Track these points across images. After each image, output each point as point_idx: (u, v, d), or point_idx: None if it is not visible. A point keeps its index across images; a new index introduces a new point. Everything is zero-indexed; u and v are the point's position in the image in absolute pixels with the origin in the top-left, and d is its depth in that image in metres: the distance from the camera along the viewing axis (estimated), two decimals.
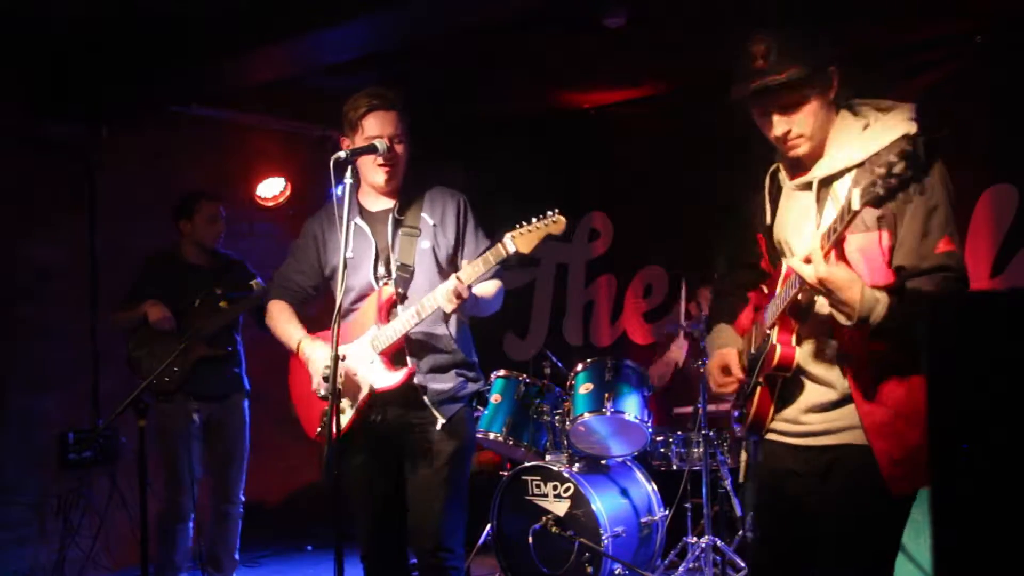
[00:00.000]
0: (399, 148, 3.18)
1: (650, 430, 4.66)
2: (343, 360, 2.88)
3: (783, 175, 2.53)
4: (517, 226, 2.95)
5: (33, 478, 5.37)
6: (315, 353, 3.18)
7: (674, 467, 4.87)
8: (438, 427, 3.17)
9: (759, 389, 2.49)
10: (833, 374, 2.37)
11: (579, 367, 4.83)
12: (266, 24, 4.53)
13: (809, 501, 2.44)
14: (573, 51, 5.43)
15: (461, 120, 6.63)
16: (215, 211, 4.84)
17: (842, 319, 2.23)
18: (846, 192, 2.15)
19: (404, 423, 3.21)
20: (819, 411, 2.40)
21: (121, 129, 5.71)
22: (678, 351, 5.41)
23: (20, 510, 5.31)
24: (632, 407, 4.62)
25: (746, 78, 2.35)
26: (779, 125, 2.37)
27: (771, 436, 2.52)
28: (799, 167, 2.45)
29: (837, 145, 2.36)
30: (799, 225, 2.45)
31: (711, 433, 4.65)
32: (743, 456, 2.59)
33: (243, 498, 4.83)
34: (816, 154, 2.39)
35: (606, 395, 4.61)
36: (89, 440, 5.46)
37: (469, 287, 3.00)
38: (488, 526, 4.80)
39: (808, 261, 2.19)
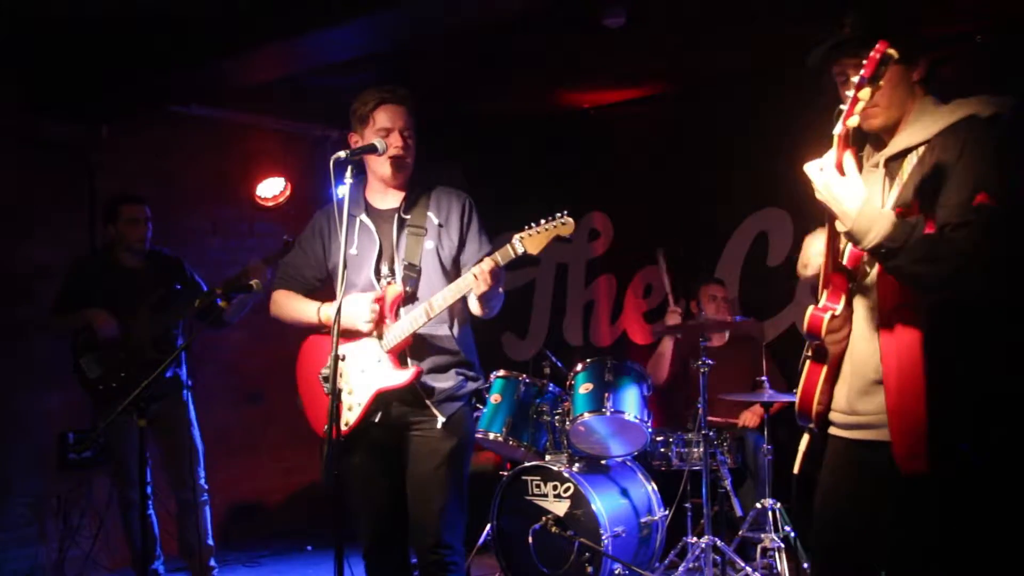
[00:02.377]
0: (409, 141, 3.21)
1: (650, 430, 4.66)
2: (343, 360, 2.88)
3: (866, 154, 2.56)
4: (526, 227, 2.97)
5: (33, 478, 5.37)
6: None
7: (674, 467, 4.87)
8: (438, 425, 3.18)
9: (808, 364, 2.51)
10: (873, 353, 2.37)
11: (579, 367, 4.82)
12: (266, 24, 4.53)
13: (865, 500, 2.44)
14: (573, 51, 5.43)
15: (461, 120, 6.63)
16: (136, 213, 4.84)
17: (840, 227, 2.27)
18: (910, 169, 2.28)
19: (404, 422, 3.22)
20: (865, 395, 2.40)
21: (121, 129, 5.71)
22: (665, 342, 5.42)
23: (20, 510, 5.31)
24: (632, 407, 4.62)
25: (826, 41, 2.41)
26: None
27: (832, 431, 2.52)
28: (880, 146, 2.48)
29: (909, 126, 2.39)
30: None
31: (711, 433, 4.65)
32: (803, 444, 2.59)
33: (205, 485, 4.90)
34: (890, 135, 2.43)
35: (606, 395, 4.61)
36: (89, 440, 5.46)
37: (502, 267, 2.98)
38: (488, 526, 4.80)
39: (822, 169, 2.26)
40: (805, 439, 2.59)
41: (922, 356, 2.26)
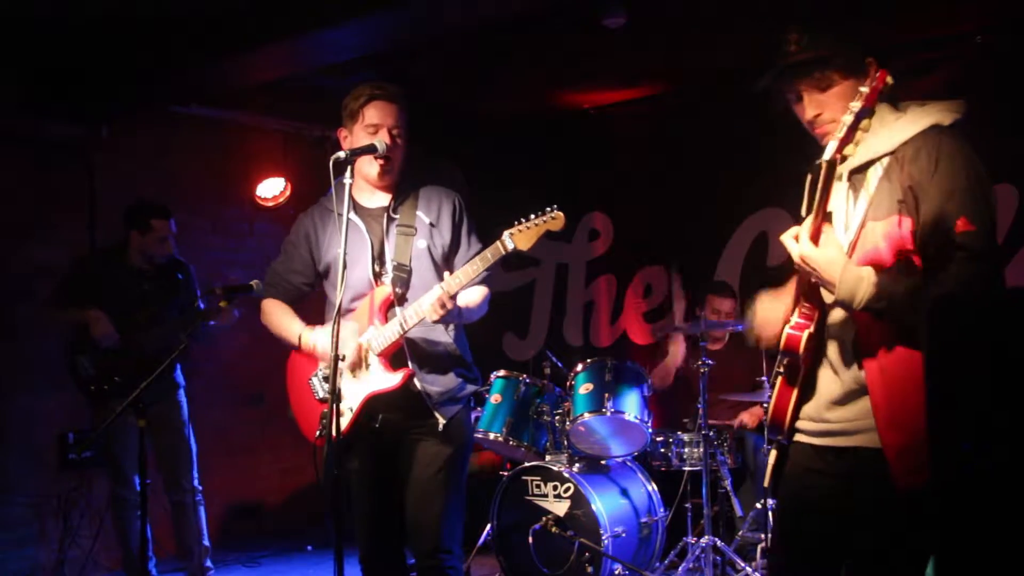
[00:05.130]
0: (397, 141, 3.17)
1: (650, 430, 4.66)
2: (343, 360, 2.86)
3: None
4: (516, 223, 2.93)
5: (33, 478, 5.37)
6: (318, 339, 3.15)
7: (674, 467, 4.87)
8: (438, 428, 3.15)
9: (779, 380, 2.50)
10: (850, 364, 2.36)
11: (579, 367, 4.82)
12: (266, 24, 4.53)
13: (830, 503, 2.40)
14: (573, 51, 5.43)
15: (461, 120, 6.63)
16: (167, 231, 4.85)
17: (828, 297, 2.31)
18: (876, 181, 2.27)
19: (404, 425, 3.19)
20: (839, 405, 2.38)
21: (121, 129, 5.71)
22: (676, 350, 5.40)
23: (20, 510, 5.31)
24: (632, 407, 4.62)
25: (774, 63, 2.41)
26: (810, 107, 2.40)
27: (798, 437, 2.49)
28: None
29: (871, 137, 2.33)
30: (835, 214, 2.44)
31: (711, 433, 4.65)
32: (771, 458, 2.58)
33: (198, 486, 4.92)
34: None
35: (606, 395, 4.61)
36: (89, 440, 5.46)
37: (453, 296, 2.99)
38: (488, 526, 4.80)
39: (797, 239, 2.28)
40: (773, 455, 2.59)
41: (919, 365, 2.22)
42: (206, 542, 4.96)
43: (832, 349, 2.41)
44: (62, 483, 5.45)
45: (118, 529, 4.82)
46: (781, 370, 2.49)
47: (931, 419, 2.19)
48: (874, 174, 2.34)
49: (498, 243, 2.94)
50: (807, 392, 2.46)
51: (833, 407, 2.39)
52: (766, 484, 2.60)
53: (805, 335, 2.37)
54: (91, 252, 4.96)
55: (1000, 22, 4.90)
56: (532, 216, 2.92)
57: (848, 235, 2.34)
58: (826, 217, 2.27)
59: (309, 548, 6.13)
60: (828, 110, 2.35)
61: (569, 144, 6.66)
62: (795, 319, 2.41)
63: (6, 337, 5.30)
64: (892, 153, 2.31)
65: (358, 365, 3.16)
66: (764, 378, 4.75)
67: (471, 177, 6.31)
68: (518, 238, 2.91)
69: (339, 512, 2.81)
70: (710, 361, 4.65)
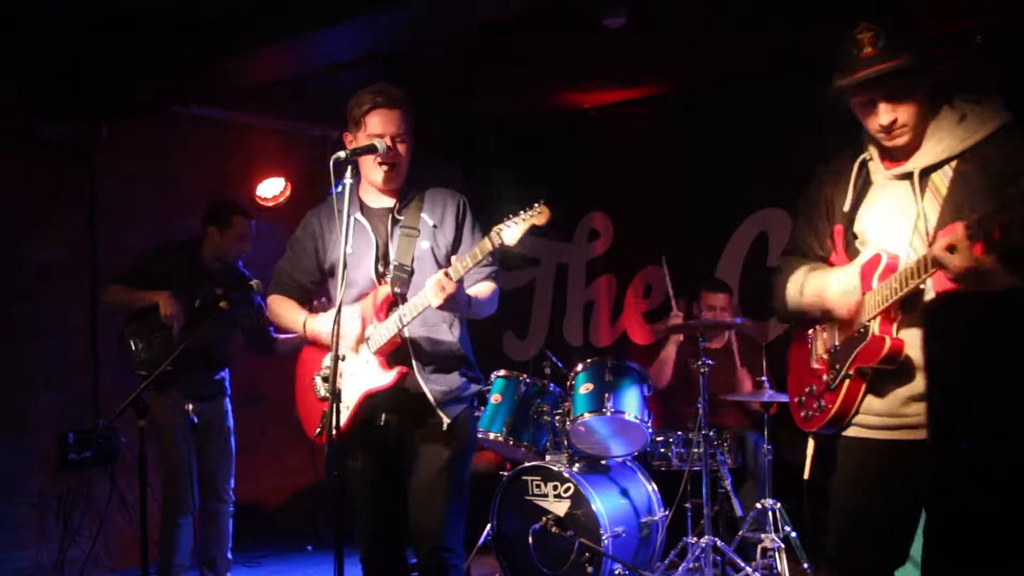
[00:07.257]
0: (401, 148, 3.17)
1: (650, 430, 4.66)
2: (343, 360, 2.87)
3: (875, 164, 2.52)
4: (505, 219, 2.96)
5: (33, 478, 5.37)
6: (323, 324, 3.16)
7: (674, 467, 4.87)
8: (443, 428, 3.15)
9: (848, 382, 2.49)
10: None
11: (579, 367, 4.82)
12: (266, 24, 4.53)
13: (902, 493, 2.44)
14: (573, 51, 5.43)
15: (461, 120, 6.63)
16: (246, 230, 4.80)
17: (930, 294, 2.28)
18: (947, 183, 2.27)
19: (406, 426, 3.19)
20: (917, 401, 2.41)
21: (121, 129, 5.71)
22: (671, 346, 5.38)
23: (20, 510, 5.31)
24: (632, 407, 4.62)
25: (853, 66, 2.35)
26: (886, 114, 2.36)
27: (854, 432, 2.52)
28: (894, 158, 2.44)
29: (936, 136, 2.36)
30: (890, 216, 2.45)
31: (711, 433, 4.65)
32: (810, 449, 2.61)
33: (233, 496, 4.85)
34: (913, 145, 2.41)
35: (606, 395, 4.61)
36: (89, 440, 5.46)
37: (457, 282, 2.98)
38: (488, 526, 4.80)
39: (951, 250, 2.17)
40: (812, 444, 2.62)
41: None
42: (230, 555, 4.85)
43: (912, 351, 2.41)
44: (62, 483, 5.45)
45: (167, 536, 4.59)
46: (851, 373, 2.49)
47: (931, 423, 2.21)
48: (943, 176, 2.35)
49: (486, 239, 2.97)
50: (879, 390, 2.48)
51: (910, 403, 2.42)
52: (806, 476, 2.64)
53: (902, 343, 2.40)
54: (171, 243, 4.85)
55: (999, 22, 4.90)
56: (520, 212, 2.95)
57: (919, 229, 2.34)
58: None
59: (309, 548, 6.13)
60: (903, 116, 2.34)
61: (569, 144, 6.66)
62: (877, 330, 2.42)
63: (6, 337, 5.30)
64: (960, 156, 2.32)
65: (361, 340, 3.16)
66: (764, 378, 4.75)
67: (471, 177, 6.32)
68: (505, 234, 2.94)
69: (339, 512, 2.81)
70: (710, 361, 4.65)
